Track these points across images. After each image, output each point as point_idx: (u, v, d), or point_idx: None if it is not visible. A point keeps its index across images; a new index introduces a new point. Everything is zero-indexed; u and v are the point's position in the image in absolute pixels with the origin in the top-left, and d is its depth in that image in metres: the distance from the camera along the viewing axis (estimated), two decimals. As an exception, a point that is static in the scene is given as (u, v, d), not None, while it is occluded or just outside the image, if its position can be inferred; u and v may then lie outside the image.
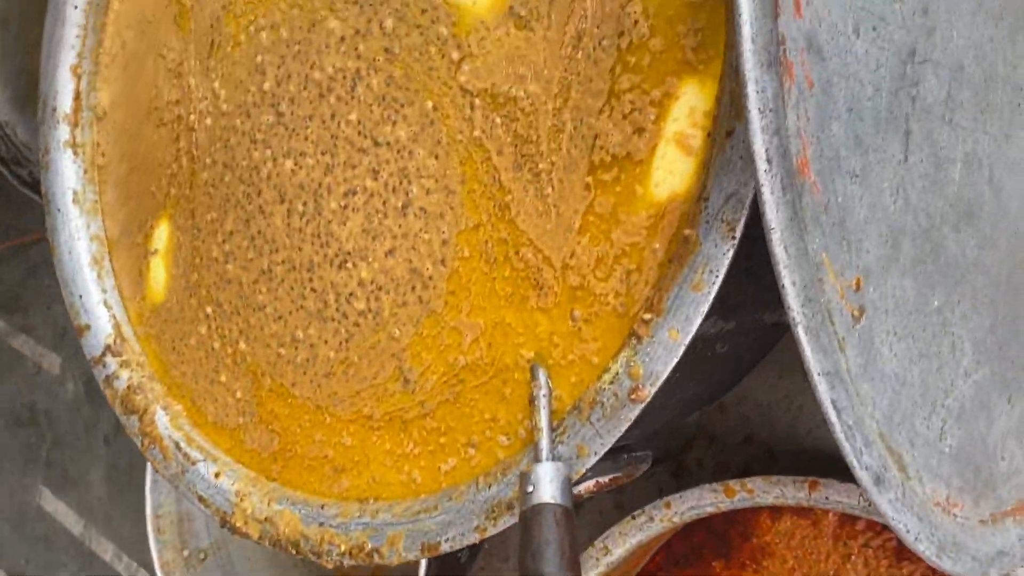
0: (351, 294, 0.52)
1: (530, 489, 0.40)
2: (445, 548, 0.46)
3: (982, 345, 0.50)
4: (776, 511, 0.76)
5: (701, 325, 0.47)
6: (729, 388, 0.66)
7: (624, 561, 0.72)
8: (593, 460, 0.41)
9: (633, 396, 0.39)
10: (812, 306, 0.35)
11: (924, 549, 0.43)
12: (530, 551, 0.38)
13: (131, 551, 1.38)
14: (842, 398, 0.37)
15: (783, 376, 0.87)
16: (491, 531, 0.44)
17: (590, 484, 0.53)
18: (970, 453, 0.49)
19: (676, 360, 0.39)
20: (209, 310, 0.59)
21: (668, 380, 0.45)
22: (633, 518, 0.69)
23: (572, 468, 0.42)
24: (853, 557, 0.71)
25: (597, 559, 0.71)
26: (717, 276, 0.38)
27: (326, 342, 0.53)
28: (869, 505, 0.60)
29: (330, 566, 0.50)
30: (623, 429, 0.40)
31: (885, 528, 0.71)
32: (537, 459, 0.41)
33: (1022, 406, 0.54)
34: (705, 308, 0.38)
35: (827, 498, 0.61)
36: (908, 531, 0.42)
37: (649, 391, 0.39)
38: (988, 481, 0.51)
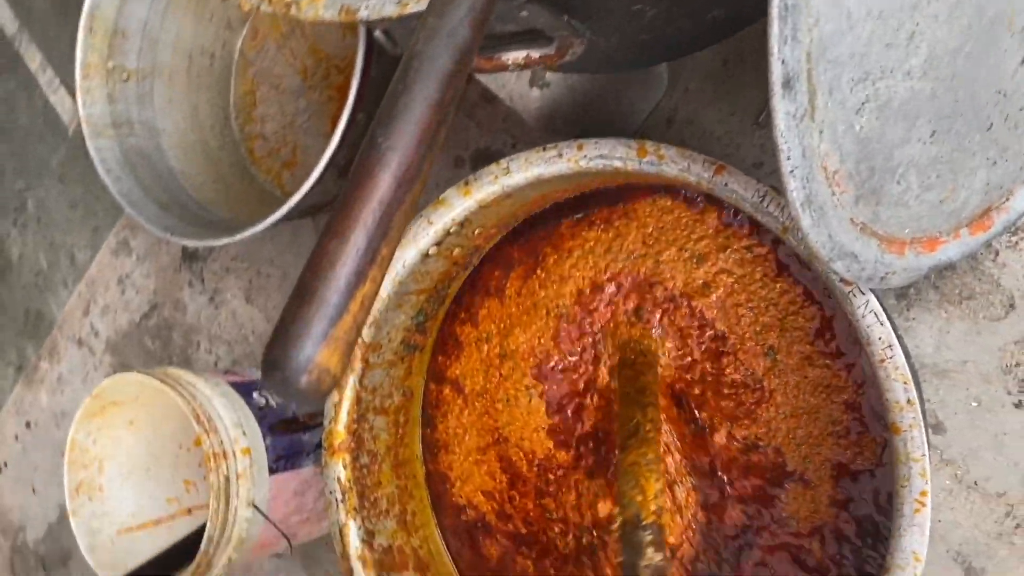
0: None
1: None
2: (363, 15, 0.45)
3: (938, 61, 0.50)
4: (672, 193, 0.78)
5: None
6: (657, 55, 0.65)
7: (520, 192, 0.74)
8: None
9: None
10: None
11: (793, 188, 0.45)
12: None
13: (58, 66, 1.36)
14: (792, -28, 0.37)
15: (736, 115, 0.87)
16: (413, 7, 0.44)
17: (519, 56, 0.53)
18: (874, 149, 0.50)
19: None
20: None
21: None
22: (544, 149, 0.70)
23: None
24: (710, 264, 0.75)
25: (496, 176, 0.73)
26: None
27: None
28: (761, 201, 0.62)
29: (246, 8, 0.49)
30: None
31: (759, 252, 0.74)
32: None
33: (940, 149, 0.55)
34: None
35: (727, 184, 0.63)
36: (789, 157, 0.43)
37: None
38: (876, 191, 0.53)
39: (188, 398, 0.86)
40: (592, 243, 0.82)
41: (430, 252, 0.79)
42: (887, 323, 0.58)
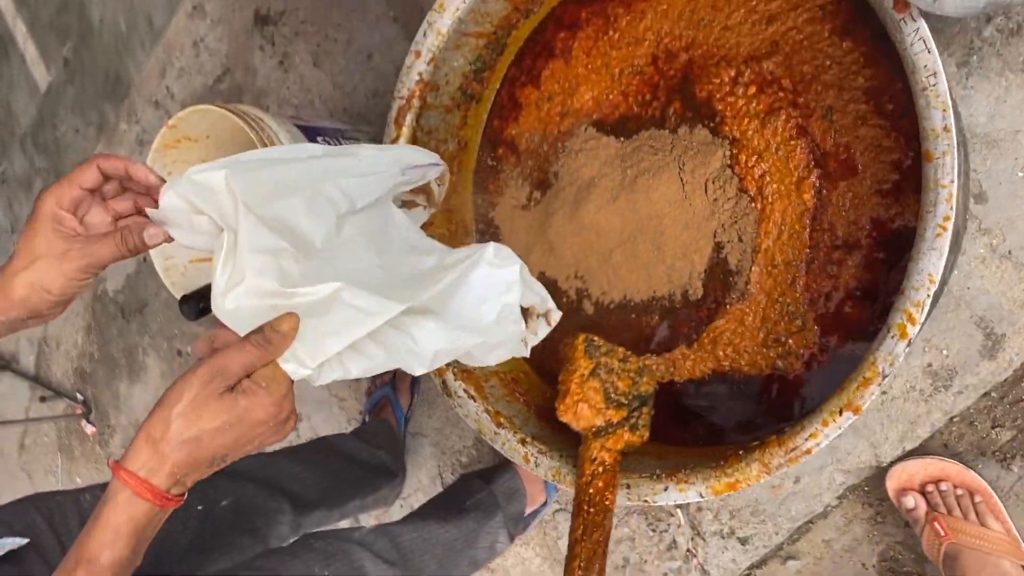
0: None
1: None
2: None
3: None
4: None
5: None
6: None
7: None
8: None
9: None
10: None
11: None
12: None
13: None
14: None
15: None
16: None
17: None
18: None
19: None
20: None
21: None
22: None
23: None
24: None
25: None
26: None
27: None
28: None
29: None
30: None
31: (830, 9, 0.73)
32: None
33: None
34: None
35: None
36: None
37: None
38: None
39: (257, 130, 0.90)
40: (666, 6, 0.82)
41: (491, -10, 0.80)
42: (934, 51, 0.58)
